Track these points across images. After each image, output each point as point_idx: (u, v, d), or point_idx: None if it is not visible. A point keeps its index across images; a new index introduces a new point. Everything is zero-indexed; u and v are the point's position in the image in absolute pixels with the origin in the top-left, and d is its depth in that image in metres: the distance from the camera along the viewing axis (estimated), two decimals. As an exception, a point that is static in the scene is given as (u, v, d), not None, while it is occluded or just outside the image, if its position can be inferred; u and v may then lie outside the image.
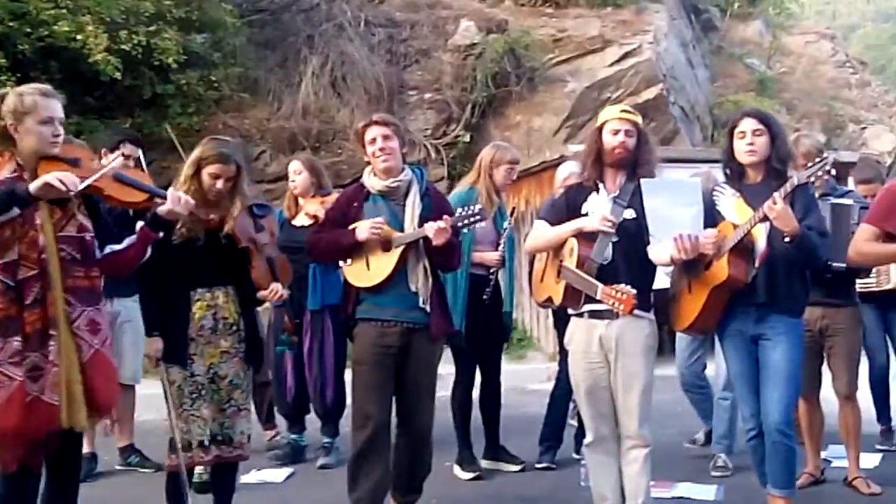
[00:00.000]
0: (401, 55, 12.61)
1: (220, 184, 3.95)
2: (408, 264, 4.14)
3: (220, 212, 3.97)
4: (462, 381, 5.40)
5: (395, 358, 4.16)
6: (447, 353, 5.32)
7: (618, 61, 12.56)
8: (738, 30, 17.92)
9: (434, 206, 4.23)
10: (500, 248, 5.25)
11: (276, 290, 4.13)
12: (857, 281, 5.02)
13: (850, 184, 10.32)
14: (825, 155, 3.83)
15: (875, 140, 14.91)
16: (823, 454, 5.18)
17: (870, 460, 5.28)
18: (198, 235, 3.94)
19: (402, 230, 4.16)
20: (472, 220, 4.12)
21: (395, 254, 4.12)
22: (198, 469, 4.47)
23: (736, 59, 16.46)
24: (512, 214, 5.39)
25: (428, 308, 4.16)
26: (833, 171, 3.77)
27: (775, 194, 3.75)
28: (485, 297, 5.20)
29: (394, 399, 4.24)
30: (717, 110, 14.05)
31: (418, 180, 4.30)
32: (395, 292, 4.13)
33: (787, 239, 3.79)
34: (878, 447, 5.64)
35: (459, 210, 4.16)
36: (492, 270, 5.25)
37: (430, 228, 4.03)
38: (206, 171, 3.94)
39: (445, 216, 4.08)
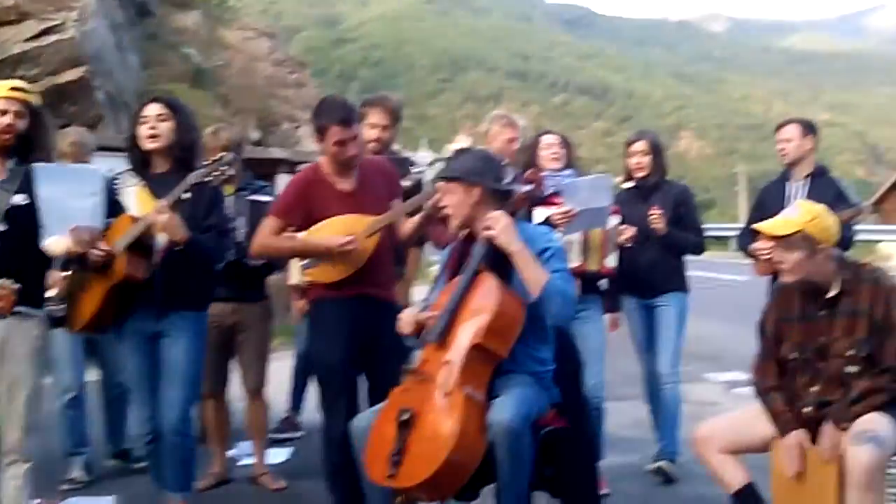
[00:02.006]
0: None
1: None
2: None
3: None
4: None
5: None
6: None
7: (36, 37, 11.84)
8: (175, 18, 18.00)
9: None
10: None
11: None
12: None
13: (282, 178, 10.89)
14: (223, 154, 3.92)
15: (308, 139, 16.03)
16: (230, 453, 5.31)
17: (278, 455, 5.53)
18: None
19: None
20: None
21: None
22: None
23: (171, 48, 16.50)
24: None
25: None
26: (231, 172, 3.90)
27: (161, 203, 3.75)
28: None
29: None
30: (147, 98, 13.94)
31: None
32: None
33: (177, 248, 3.82)
34: (275, 437, 5.83)
35: None
36: None
37: None
38: None
39: None
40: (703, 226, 5.45)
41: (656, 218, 4.91)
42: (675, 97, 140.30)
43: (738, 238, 5.33)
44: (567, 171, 4.88)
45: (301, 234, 4.11)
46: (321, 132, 4.03)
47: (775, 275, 4.45)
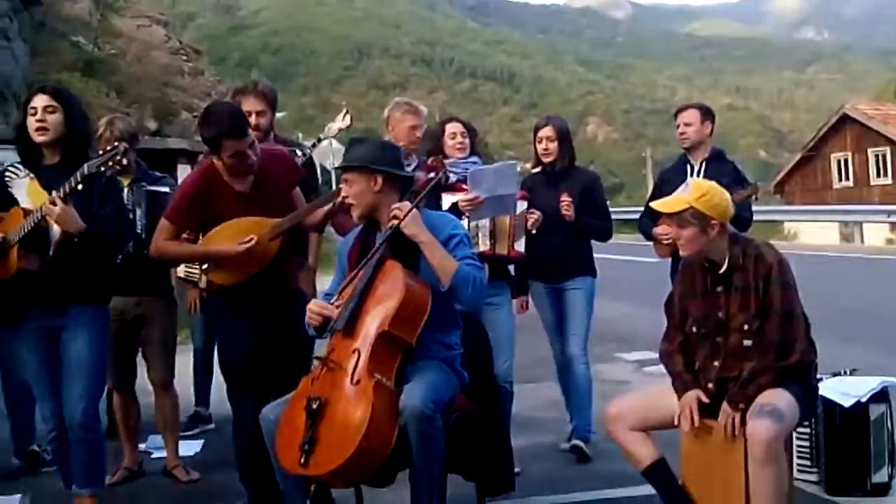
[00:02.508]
0: None
1: None
2: None
3: None
4: None
5: None
6: None
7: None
8: (63, 6, 17.58)
9: None
10: None
11: None
12: None
13: (181, 169, 10.74)
14: (117, 144, 3.84)
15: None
16: (142, 446, 5.29)
17: (190, 448, 5.51)
18: None
19: None
20: None
21: None
22: None
23: (61, 37, 16.12)
24: None
25: None
26: (125, 162, 3.83)
27: (54, 193, 3.70)
28: None
29: None
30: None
31: None
32: None
33: (73, 239, 3.78)
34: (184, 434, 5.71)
35: None
36: None
37: None
38: None
39: None
40: (613, 209, 5.57)
41: (566, 205, 5.00)
42: (582, 83, 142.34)
43: (638, 221, 5.47)
44: (472, 159, 4.95)
45: (200, 240, 4.09)
46: (214, 145, 3.96)
47: (676, 257, 4.59)
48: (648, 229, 5.16)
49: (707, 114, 5.30)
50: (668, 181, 5.06)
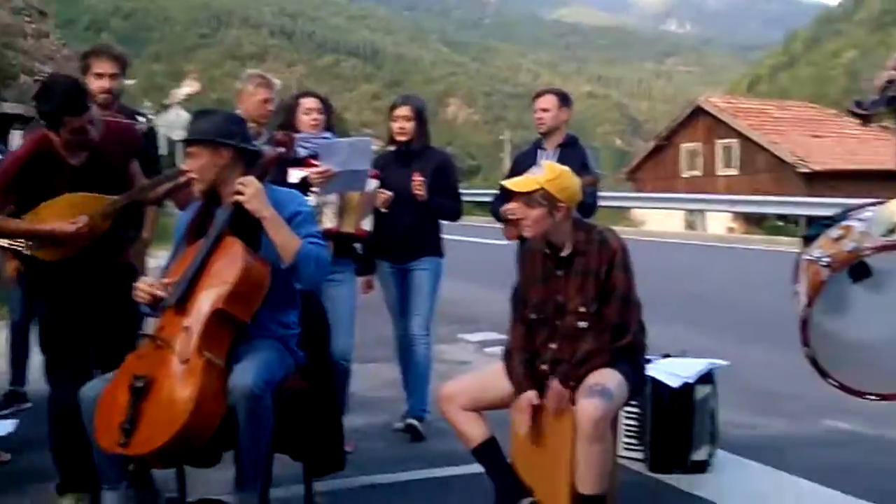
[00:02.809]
0: None
1: None
2: None
3: None
4: None
5: None
6: None
7: None
8: None
9: None
10: None
11: None
12: None
13: (16, 135, 10.30)
14: None
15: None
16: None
17: (3, 428, 5.24)
18: None
19: None
20: None
21: None
22: None
23: None
24: None
25: None
26: None
27: None
28: None
29: None
30: None
31: None
32: None
33: None
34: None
35: None
36: None
37: None
38: None
39: None
40: (469, 191, 5.64)
41: (418, 185, 5.03)
42: (446, 63, 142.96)
43: (491, 203, 5.56)
44: (325, 134, 4.92)
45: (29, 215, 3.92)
46: (52, 120, 3.78)
47: (524, 240, 4.70)
48: (499, 210, 5.25)
49: (565, 100, 5.42)
50: (521, 164, 5.15)
